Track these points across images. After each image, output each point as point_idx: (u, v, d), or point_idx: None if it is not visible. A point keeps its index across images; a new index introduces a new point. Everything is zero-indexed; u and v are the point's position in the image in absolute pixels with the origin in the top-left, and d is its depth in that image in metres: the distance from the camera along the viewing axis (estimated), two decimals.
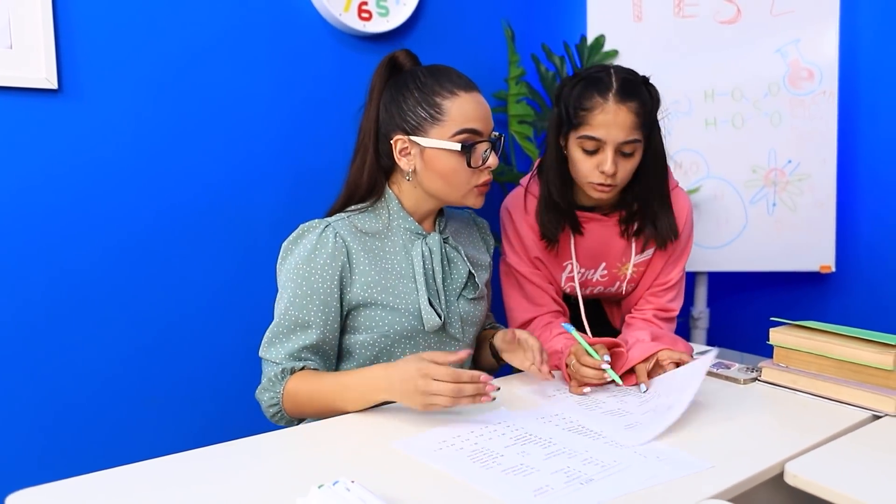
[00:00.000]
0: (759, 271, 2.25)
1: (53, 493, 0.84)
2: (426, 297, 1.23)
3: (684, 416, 1.06)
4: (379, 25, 1.96)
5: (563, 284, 1.50)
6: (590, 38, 2.23)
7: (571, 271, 1.48)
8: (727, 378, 1.32)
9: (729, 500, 0.83)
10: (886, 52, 2.07)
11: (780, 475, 0.92)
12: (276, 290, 1.23)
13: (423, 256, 1.25)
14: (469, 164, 1.20)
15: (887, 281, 2.14)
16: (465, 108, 1.20)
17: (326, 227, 1.21)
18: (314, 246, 1.19)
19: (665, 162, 1.41)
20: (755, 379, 1.32)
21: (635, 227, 1.44)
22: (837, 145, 2.10)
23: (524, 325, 1.46)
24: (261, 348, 1.21)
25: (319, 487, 0.78)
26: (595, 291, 1.54)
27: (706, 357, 1.16)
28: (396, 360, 1.11)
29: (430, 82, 1.21)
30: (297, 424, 1.17)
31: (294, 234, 1.23)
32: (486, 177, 1.24)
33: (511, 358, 1.28)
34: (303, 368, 1.18)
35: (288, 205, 1.91)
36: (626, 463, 0.94)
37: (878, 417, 1.11)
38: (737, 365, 1.39)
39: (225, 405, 1.87)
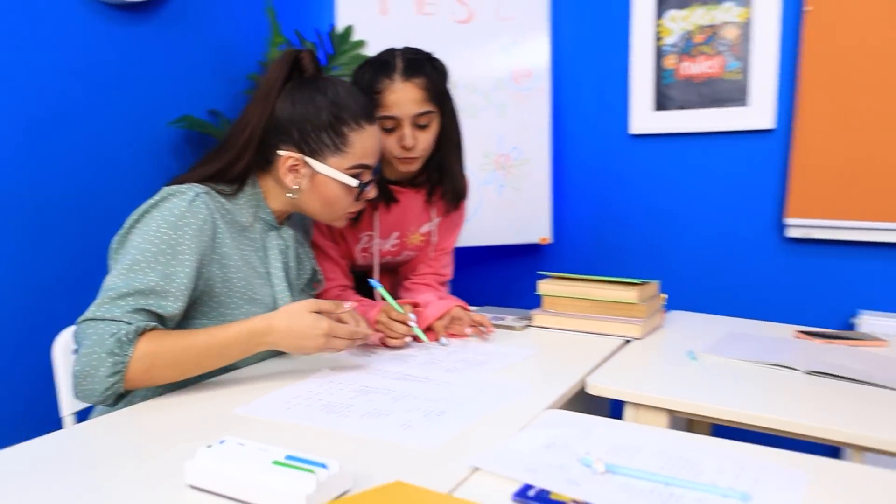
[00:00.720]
0: (491, 245, 2.55)
1: None
2: (286, 292, 1.22)
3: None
4: None
5: (356, 255, 1.57)
6: (339, 28, 2.31)
7: (368, 242, 1.56)
8: (505, 327, 1.53)
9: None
10: (585, 58, 2.51)
11: (582, 389, 1.13)
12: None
13: (279, 251, 1.24)
14: (357, 199, 1.23)
15: (592, 249, 2.59)
16: (366, 143, 1.20)
17: (196, 196, 1.10)
18: (182, 213, 1.08)
19: (459, 129, 1.53)
20: (527, 325, 1.54)
21: (440, 192, 1.56)
22: (552, 135, 2.49)
23: (317, 297, 1.50)
24: (89, 311, 1.01)
25: (209, 447, 0.77)
26: (383, 261, 1.64)
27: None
28: (288, 313, 1.08)
29: (340, 105, 1.18)
30: (117, 404, 1.03)
31: (155, 198, 1.10)
32: (361, 205, 1.27)
33: None
34: (153, 328, 1.03)
35: (25, 187, 1.67)
36: (465, 396, 1.06)
37: (629, 342, 1.40)
38: (509, 316, 1.60)
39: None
